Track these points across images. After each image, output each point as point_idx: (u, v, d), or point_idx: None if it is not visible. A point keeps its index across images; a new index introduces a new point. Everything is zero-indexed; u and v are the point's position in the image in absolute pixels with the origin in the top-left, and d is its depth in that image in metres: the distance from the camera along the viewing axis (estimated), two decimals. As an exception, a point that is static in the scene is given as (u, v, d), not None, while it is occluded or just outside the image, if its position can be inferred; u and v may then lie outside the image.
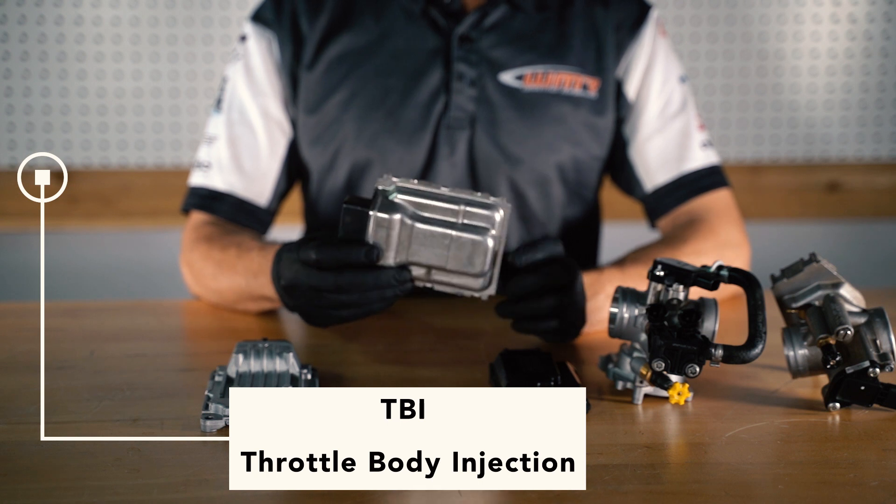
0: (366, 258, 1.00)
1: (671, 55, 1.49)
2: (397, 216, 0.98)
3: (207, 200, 1.42)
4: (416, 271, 1.02)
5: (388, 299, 1.04)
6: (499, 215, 1.00)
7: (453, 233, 0.99)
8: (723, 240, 1.38)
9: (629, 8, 1.47)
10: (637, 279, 1.21)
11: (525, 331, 1.13)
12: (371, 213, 0.98)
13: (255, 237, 1.36)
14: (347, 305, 1.04)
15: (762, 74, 2.32)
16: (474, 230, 0.99)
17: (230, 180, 1.42)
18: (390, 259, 1.00)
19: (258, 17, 1.45)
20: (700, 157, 1.45)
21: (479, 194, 1.00)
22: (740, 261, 1.39)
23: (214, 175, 1.43)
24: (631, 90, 1.46)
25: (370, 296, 1.03)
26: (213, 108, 1.47)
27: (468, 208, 0.99)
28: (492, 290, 1.03)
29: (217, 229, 1.39)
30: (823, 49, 2.32)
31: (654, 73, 1.46)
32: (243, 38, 1.46)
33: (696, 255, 1.30)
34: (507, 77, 1.42)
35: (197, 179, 1.44)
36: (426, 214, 0.99)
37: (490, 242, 0.99)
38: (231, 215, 1.42)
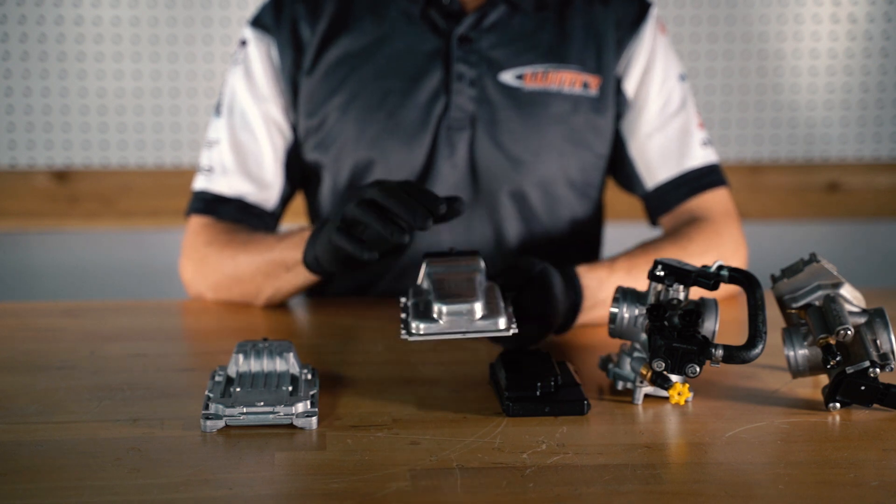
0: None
1: (671, 53, 1.49)
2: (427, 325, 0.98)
3: (212, 204, 1.42)
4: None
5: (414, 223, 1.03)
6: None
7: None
8: (725, 239, 1.38)
9: (629, 6, 1.47)
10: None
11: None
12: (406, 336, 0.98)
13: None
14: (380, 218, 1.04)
15: (762, 74, 2.32)
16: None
17: (236, 185, 1.42)
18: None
19: (258, 23, 1.45)
20: (700, 156, 1.46)
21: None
22: (740, 260, 1.40)
23: (218, 179, 1.42)
24: (630, 87, 1.46)
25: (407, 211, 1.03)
26: (213, 113, 1.47)
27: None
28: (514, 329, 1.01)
29: (231, 225, 1.40)
30: (823, 49, 2.32)
31: (654, 71, 1.46)
32: (243, 43, 1.45)
33: (703, 255, 1.31)
34: (507, 77, 1.42)
35: (200, 184, 1.44)
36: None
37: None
38: (236, 218, 1.42)
